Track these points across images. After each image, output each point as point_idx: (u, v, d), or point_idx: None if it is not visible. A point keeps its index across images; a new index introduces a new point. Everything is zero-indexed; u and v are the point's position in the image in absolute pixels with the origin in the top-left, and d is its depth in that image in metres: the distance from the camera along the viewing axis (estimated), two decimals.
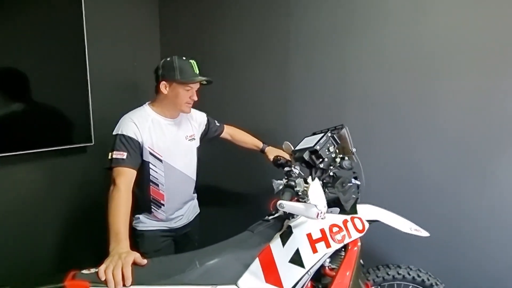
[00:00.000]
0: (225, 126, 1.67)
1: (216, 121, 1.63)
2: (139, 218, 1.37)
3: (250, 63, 1.93)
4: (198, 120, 1.52)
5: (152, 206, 1.35)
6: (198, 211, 1.58)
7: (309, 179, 1.04)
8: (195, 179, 1.48)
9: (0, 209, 1.38)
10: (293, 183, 1.05)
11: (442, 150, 1.55)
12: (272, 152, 1.59)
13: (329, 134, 1.30)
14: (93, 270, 0.89)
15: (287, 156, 1.52)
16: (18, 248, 1.44)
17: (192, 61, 1.31)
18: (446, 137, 1.53)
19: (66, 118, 1.55)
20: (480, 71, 1.46)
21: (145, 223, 1.37)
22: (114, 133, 1.25)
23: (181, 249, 1.44)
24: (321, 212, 0.89)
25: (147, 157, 1.28)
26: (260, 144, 1.65)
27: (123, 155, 1.18)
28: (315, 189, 0.96)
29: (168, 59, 1.30)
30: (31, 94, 1.40)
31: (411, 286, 1.31)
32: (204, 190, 1.66)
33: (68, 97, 1.55)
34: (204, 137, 1.57)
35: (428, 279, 1.29)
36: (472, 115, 1.48)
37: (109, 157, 1.19)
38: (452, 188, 1.54)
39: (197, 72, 1.31)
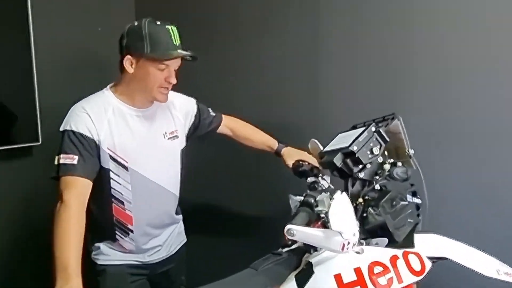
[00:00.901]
0: (223, 116, 1.69)
1: (210, 110, 1.64)
2: (99, 248, 1.42)
3: (265, 30, 1.96)
4: (183, 109, 1.54)
5: (117, 232, 1.40)
6: (185, 240, 1.62)
7: (336, 195, 1.04)
8: (178, 194, 1.51)
9: None
10: (312, 200, 1.06)
11: None
12: (292, 155, 1.58)
13: (373, 129, 1.29)
14: None
15: (314, 161, 1.52)
16: None
17: (170, 27, 1.31)
18: None
19: (7, 113, 1.64)
20: None
21: (108, 255, 1.42)
22: (61, 128, 1.29)
23: None
24: (348, 243, 0.90)
25: (106, 163, 1.32)
26: (274, 144, 1.65)
27: (73, 159, 1.23)
28: (339, 208, 0.96)
29: (136, 23, 1.32)
30: None
31: None
32: (192, 211, 1.69)
33: (9, 86, 1.64)
34: (194, 133, 1.60)
35: None
36: None
37: (56, 162, 1.24)
38: None
39: (177, 43, 1.31)
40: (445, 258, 1.21)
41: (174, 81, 1.35)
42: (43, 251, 1.72)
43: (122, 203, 1.37)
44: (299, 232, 0.94)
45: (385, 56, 1.74)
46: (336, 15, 1.82)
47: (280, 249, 1.27)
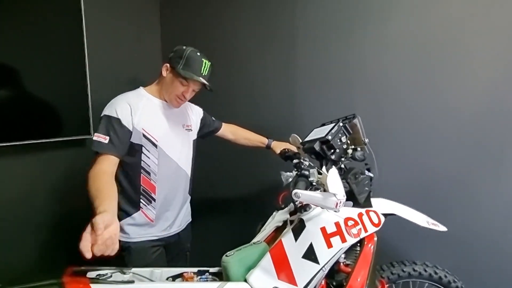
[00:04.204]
0: (224, 124, 1.57)
1: (213, 118, 1.54)
2: (122, 228, 1.20)
3: (254, 55, 1.85)
4: (195, 112, 1.44)
5: (142, 200, 1.21)
6: (190, 219, 1.44)
7: (323, 169, 0.96)
8: (190, 176, 1.35)
9: None
10: (307, 173, 0.97)
11: (457, 145, 1.48)
12: (278, 146, 1.51)
13: (341, 124, 1.23)
14: (90, 268, 0.82)
15: (295, 149, 1.45)
16: (7, 245, 1.33)
17: (205, 60, 1.21)
18: (461, 131, 1.47)
19: (64, 110, 1.45)
20: (495, 64, 1.39)
21: (129, 233, 1.21)
22: (102, 114, 1.15)
23: (172, 259, 1.31)
24: (340, 202, 0.81)
25: (140, 140, 1.17)
26: (265, 140, 1.56)
27: (105, 139, 1.10)
28: (334, 178, 0.88)
29: (184, 47, 1.21)
30: (29, 85, 1.32)
31: (427, 284, 1.23)
32: (196, 196, 1.50)
33: (67, 88, 1.46)
34: (201, 130, 1.47)
35: (446, 276, 1.21)
36: (489, 108, 1.42)
37: (93, 138, 1.11)
38: (467, 183, 1.47)
39: (204, 73, 1.20)
40: (393, 214, 1.15)
41: (188, 97, 1.25)
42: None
43: (149, 174, 1.20)
44: (303, 194, 0.85)
45: (343, 73, 1.66)
46: (307, 54, 1.73)
47: (275, 212, 1.19)
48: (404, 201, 1.24)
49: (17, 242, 1.37)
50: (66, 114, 1.46)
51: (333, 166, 1.01)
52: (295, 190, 0.83)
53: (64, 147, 1.50)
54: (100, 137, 1.10)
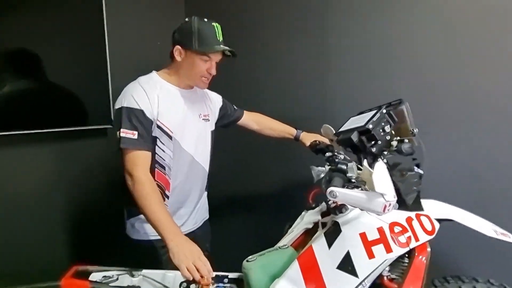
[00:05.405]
0: (246, 112, 1.43)
1: (234, 106, 1.41)
2: (133, 225, 1.14)
3: (282, 38, 1.69)
4: (213, 100, 1.32)
5: None
6: (207, 216, 1.33)
7: (365, 163, 0.79)
8: (207, 170, 1.24)
9: (12, 191, 1.28)
10: (344, 167, 0.80)
11: None
12: (308, 138, 1.35)
13: (384, 111, 1.03)
14: (96, 268, 0.73)
15: (327, 141, 1.28)
16: (28, 234, 1.33)
17: (215, 24, 1.08)
18: None
19: (85, 99, 1.43)
20: None
21: (140, 231, 1.13)
22: (119, 105, 1.05)
23: None
24: (390, 205, 0.64)
25: (155, 132, 1.07)
26: (293, 131, 1.40)
27: (134, 134, 1.00)
28: (382, 174, 0.70)
29: (187, 20, 1.08)
30: (49, 73, 1.31)
31: None
32: (216, 192, 1.41)
33: (88, 77, 1.44)
34: (220, 120, 1.35)
35: None
36: None
37: (118, 136, 1.00)
38: None
39: (220, 39, 1.08)
40: (450, 220, 0.95)
41: (214, 72, 1.13)
42: (111, 213, 1.47)
43: (163, 168, 1.11)
44: (342, 193, 0.68)
45: (384, 52, 1.44)
46: (340, 32, 1.54)
47: (305, 211, 1.03)
48: (460, 205, 1.03)
49: (36, 230, 1.37)
50: (87, 103, 1.43)
51: (380, 160, 0.82)
52: (331, 188, 0.67)
53: (85, 136, 1.48)
54: (128, 133, 1.00)
